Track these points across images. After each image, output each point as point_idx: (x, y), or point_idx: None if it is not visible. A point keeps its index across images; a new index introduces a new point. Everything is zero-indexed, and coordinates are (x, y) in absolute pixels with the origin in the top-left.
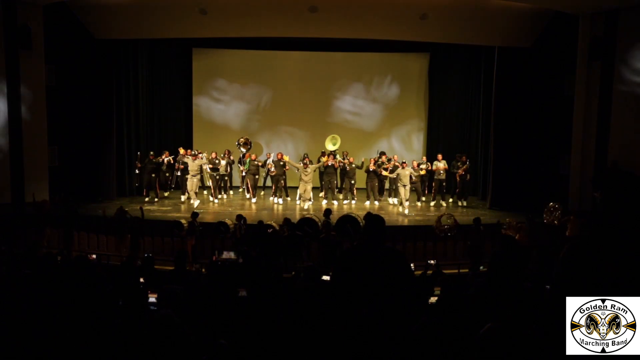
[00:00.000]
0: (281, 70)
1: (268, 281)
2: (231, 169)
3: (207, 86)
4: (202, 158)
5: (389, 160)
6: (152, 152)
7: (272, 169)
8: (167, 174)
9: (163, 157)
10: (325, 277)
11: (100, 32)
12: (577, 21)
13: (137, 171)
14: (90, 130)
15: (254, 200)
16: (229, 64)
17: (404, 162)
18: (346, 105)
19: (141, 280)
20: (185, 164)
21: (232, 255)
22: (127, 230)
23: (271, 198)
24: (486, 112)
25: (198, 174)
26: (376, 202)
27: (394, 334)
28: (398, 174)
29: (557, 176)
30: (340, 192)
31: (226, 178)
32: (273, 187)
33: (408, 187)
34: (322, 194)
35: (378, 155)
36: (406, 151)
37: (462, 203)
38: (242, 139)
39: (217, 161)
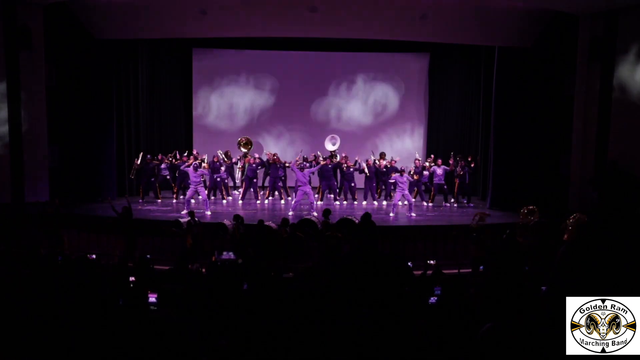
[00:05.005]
0: (281, 70)
1: (267, 281)
2: (232, 171)
3: (207, 86)
4: (203, 167)
5: (390, 160)
6: (149, 156)
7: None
8: (168, 177)
9: (164, 159)
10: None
11: (100, 32)
12: (577, 21)
13: (134, 166)
14: (90, 130)
15: (240, 201)
16: (229, 64)
17: (403, 169)
18: (346, 105)
19: (131, 279)
20: (186, 172)
21: (231, 255)
22: (130, 229)
23: (266, 199)
24: (486, 112)
25: (200, 184)
26: (375, 202)
27: (393, 334)
28: (396, 180)
29: (557, 176)
30: (339, 193)
31: (226, 181)
32: (268, 189)
33: (407, 192)
34: (317, 195)
35: (376, 158)
36: (406, 151)
37: (458, 202)
38: (242, 139)
39: (218, 164)
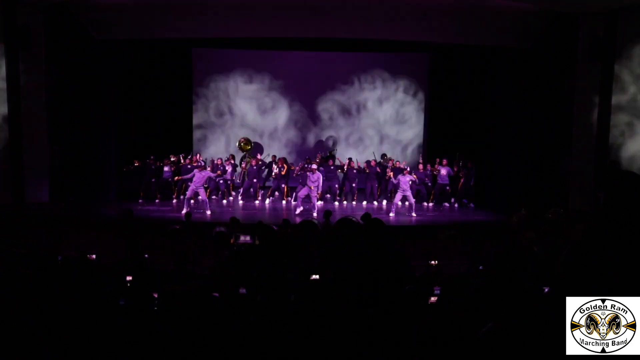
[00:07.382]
0: (281, 70)
1: (267, 282)
2: (234, 173)
3: (207, 86)
4: (207, 169)
5: (393, 161)
6: (152, 157)
7: (275, 170)
8: (170, 180)
9: (166, 162)
10: (315, 277)
11: (100, 32)
12: (577, 21)
13: (133, 165)
14: (90, 130)
15: (240, 201)
16: (229, 64)
17: (406, 169)
18: (346, 106)
19: (128, 278)
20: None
21: (248, 239)
22: (131, 231)
23: (267, 199)
24: (486, 112)
25: (202, 185)
26: (375, 203)
27: (394, 334)
28: (399, 181)
29: (557, 177)
30: (340, 194)
31: (229, 182)
32: (271, 189)
33: (409, 193)
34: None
35: (381, 159)
36: (406, 152)
37: (460, 203)
38: (242, 140)
39: (222, 167)
